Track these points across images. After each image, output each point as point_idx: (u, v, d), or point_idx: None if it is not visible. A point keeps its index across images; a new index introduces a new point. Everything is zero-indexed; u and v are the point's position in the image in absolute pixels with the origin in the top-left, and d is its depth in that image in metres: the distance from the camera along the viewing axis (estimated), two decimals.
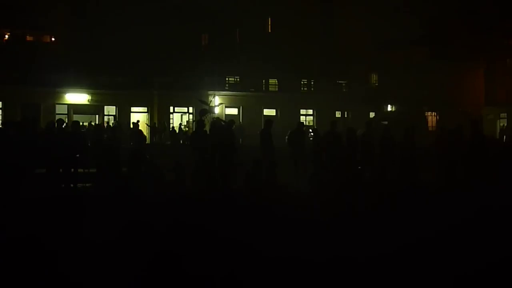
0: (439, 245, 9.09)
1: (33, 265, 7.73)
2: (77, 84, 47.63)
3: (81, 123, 42.11)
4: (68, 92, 48.03)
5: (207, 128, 19.20)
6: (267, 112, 52.94)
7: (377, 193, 13.99)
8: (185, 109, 51.93)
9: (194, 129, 23.94)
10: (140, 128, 43.43)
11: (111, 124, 44.79)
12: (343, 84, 57.63)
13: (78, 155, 15.71)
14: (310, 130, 21.96)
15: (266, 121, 18.49)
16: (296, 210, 12.02)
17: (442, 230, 9.89)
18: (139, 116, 48.84)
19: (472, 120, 18.79)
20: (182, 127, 48.74)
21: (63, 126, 17.52)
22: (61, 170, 15.74)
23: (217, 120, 18.97)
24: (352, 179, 15.52)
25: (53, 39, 54.54)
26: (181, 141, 43.37)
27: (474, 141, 16.40)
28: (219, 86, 52.40)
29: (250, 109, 52.03)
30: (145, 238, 9.14)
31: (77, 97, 48.42)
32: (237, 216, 11.20)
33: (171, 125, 49.05)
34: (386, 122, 37.40)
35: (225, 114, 50.40)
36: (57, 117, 41.24)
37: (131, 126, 43.96)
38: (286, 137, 18.54)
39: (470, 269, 7.78)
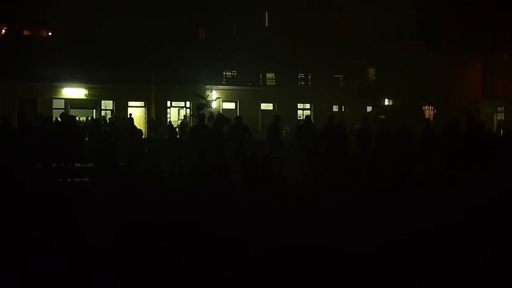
0: (436, 238, 9.13)
1: (28, 260, 7.73)
2: (74, 79, 47.51)
3: (78, 118, 42.51)
4: (65, 87, 47.94)
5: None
6: (264, 106, 53.00)
7: (374, 186, 14.01)
8: (182, 104, 51.88)
9: (194, 123, 23.68)
10: (135, 122, 43.58)
11: (107, 119, 44.70)
12: (341, 78, 57.63)
13: (75, 150, 15.69)
14: None
15: (274, 116, 18.46)
16: (296, 203, 12.05)
17: (439, 223, 9.93)
18: (136, 110, 48.77)
19: (468, 113, 18.85)
20: (185, 121, 48.78)
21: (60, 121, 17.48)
22: (62, 164, 15.73)
23: (222, 115, 18.86)
24: (349, 172, 15.57)
25: (50, 33, 54.46)
26: (178, 136, 43.28)
27: (469, 135, 16.50)
28: (216, 81, 52.39)
29: (247, 104, 52.04)
30: (142, 234, 9.13)
31: (74, 92, 48.33)
32: (234, 211, 11.21)
33: (168, 119, 49.00)
34: (383, 116, 37.44)
35: (222, 109, 50.40)
36: (55, 112, 41.38)
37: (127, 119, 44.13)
38: (283, 131, 18.49)
39: (467, 261, 7.80)
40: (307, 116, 20.10)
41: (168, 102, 51.37)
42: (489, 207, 10.99)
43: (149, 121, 47.77)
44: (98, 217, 10.44)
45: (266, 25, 57.72)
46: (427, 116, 52.31)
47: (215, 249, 8.40)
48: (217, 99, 50.40)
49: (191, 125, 46.10)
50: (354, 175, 15.01)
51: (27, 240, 8.59)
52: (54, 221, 10.08)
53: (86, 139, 20.69)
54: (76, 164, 16.12)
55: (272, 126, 17.98)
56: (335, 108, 53.58)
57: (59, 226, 9.67)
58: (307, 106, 55.36)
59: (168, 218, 10.22)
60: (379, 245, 8.48)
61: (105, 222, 9.95)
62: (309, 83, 57.38)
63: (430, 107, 55.41)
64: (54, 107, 46.60)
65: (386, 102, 56.61)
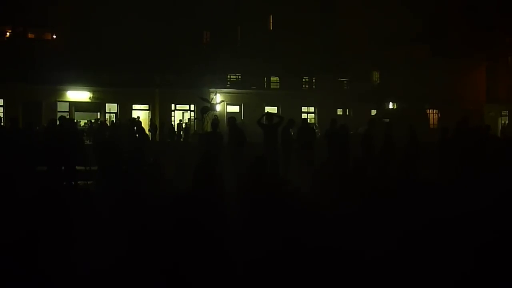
0: (436, 237, 9.16)
1: (31, 263, 7.71)
2: (79, 82, 47.67)
3: (81, 121, 42.67)
4: (69, 90, 48.09)
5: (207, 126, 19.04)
6: (269, 109, 52.93)
7: (378, 188, 14.00)
8: (186, 107, 51.97)
9: (207, 129, 23.31)
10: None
11: (109, 122, 44.77)
12: (345, 82, 57.61)
13: (75, 153, 15.70)
14: None
15: (288, 120, 18.37)
16: (300, 206, 12.04)
17: (437, 223, 9.97)
18: (140, 113, 48.84)
19: (463, 118, 18.98)
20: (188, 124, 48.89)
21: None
22: (63, 168, 15.75)
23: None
24: (353, 174, 15.56)
25: (54, 36, 54.56)
26: (182, 139, 43.35)
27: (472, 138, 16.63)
28: (221, 84, 52.46)
29: (252, 107, 51.96)
30: (148, 239, 9.11)
31: (79, 95, 48.47)
32: (237, 214, 11.19)
33: (172, 123, 49.01)
34: (387, 120, 37.42)
35: (227, 112, 50.42)
36: (59, 114, 41.45)
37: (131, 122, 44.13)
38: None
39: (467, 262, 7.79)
40: (304, 119, 19.97)
41: (172, 105, 51.48)
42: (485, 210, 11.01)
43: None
44: (103, 221, 10.43)
45: (271, 28, 57.78)
46: (431, 120, 52.39)
47: (220, 253, 8.40)
48: (221, 102, 50.39)
49: (195, 129, 46.22)
50: (357, 177, 14.99)
51: (30, 245, 8.57)
52: (58, 225, 10.06)
53: (89, 142, 20.74)
54: (80, 167, 16.13)
55: (285, 129, 17.96)
56: (340, 112, 53.59)
57: (64, 230, 9.65)
58: (311, 109, 55.37)
59: (174, 222, 10.19)
60: (382, 248, 8.49)
61: (110, 226, 9.94)
62: (314, 86, 57.35)
63: (434, 110, 55.34)
64: (58, 110, 46.74)
65: (391, 105, 56.61)
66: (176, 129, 46.35)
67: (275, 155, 16.26)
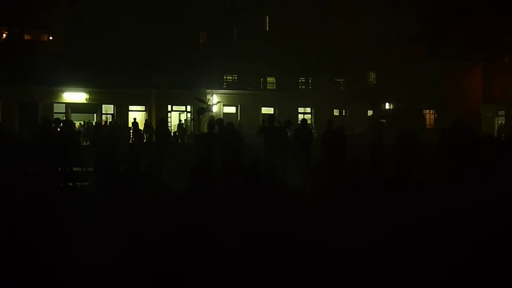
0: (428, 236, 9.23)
1: (26, 264, 7.71)
2: (75, 83, 47.61)
3: (75, 122, 42.47)
4: (66, 91, 48.02)
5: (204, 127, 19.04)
6: (265, 110, 52.98)
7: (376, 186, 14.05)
8: (183, 108, 51.92)
9: (205, 130, 23.18)
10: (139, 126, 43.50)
11: (108, 123, 44.70)
12: (341, 82, 57.63)
13: (70, 154, 15.70)
14: None
15: (286, 121, 18.35)
16: (298, 206, 12.08)
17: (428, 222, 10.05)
18: (137, 114, 48.80)
19: (458, 117, 19.02)
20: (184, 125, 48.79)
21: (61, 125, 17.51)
22: (59, 168, 15.74)
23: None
24: (350, 175, 15.61)
25: (51, 37, 54.51)
26: (179, 140, 43.24)
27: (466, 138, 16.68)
28: (217, 85, 52.47)
29: (248, 108, 52.07)
30: (143, 242, 9.11)
31: (75, 96, 48.41)
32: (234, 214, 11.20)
33: (168, 123, 48.93)
34: (384, 120, 37.46)
35: (223, 113, 50.43)
36: (55, 115, 41.40)
37: (130, 125, 44.13)
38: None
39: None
40: (303, 119, 19.89)
41: (169, 106, 51.39)
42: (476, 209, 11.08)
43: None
44: (98, 222, 10.42)
45: (267, 29, 57.78)
46: (427, 120, 52.43)
47: (216, 251, 8.41)
48: (217, 103, 50.45)
49: (192, 130, 46.19)
50: (354, 177, 15.04)
51: (25, 248, 8.56)
52: (53, 227, 10.06)
53: (85, 143, 20.72)
54: (76, 168, 16.12)
55: (282, 130, 17.93)
56: (336, 112, 53.61)
57: (58, 233, 9.64)
58: (308, 110, 55.41)
59: (171, 224, 10.19)
60: (370, 245, 8.54)
61: (106, 227, 9.94)
62: (310, 87, 57.41)
63: (431, 111, 55.37)
64: (55, 111, 46.67)
65: (387, 106, 56.66)
66: (177, 130, 46.14)
67: (275, 157, 16.27)
